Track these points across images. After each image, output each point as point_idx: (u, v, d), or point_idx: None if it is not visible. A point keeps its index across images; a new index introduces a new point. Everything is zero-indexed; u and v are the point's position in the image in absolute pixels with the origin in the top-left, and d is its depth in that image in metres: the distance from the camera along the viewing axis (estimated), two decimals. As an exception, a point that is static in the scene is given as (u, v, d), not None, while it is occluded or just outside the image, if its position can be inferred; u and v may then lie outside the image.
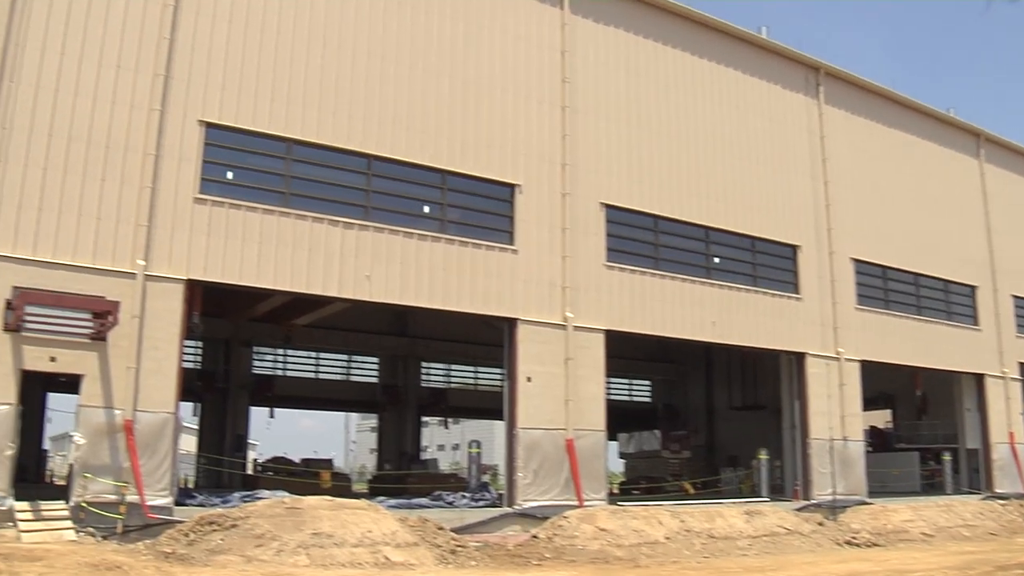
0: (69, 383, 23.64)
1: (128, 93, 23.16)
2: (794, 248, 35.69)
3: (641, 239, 31.65)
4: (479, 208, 28.53)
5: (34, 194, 21.56)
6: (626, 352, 38.08)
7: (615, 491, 40.14)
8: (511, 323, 28.05)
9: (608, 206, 30.51)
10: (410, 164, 27.07)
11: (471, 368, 51.35)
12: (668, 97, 33.11)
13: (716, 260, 33.47)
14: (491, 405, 37.02)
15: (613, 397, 33.99)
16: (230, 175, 24.50)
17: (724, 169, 34.02)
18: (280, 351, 45.80)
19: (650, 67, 32.88)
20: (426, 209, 27.49)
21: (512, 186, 28.75)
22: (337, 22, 26.60)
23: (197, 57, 24.25)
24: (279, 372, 46.23)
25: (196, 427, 43.38)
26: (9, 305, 20.70)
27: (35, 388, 33.89)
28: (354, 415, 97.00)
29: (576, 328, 28.70)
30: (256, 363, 44.27)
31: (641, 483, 44.10)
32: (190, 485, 36.45)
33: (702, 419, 50.12)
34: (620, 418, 42.27)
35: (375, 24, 27.23)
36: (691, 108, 33.70)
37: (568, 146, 29.81)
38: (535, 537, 25.12)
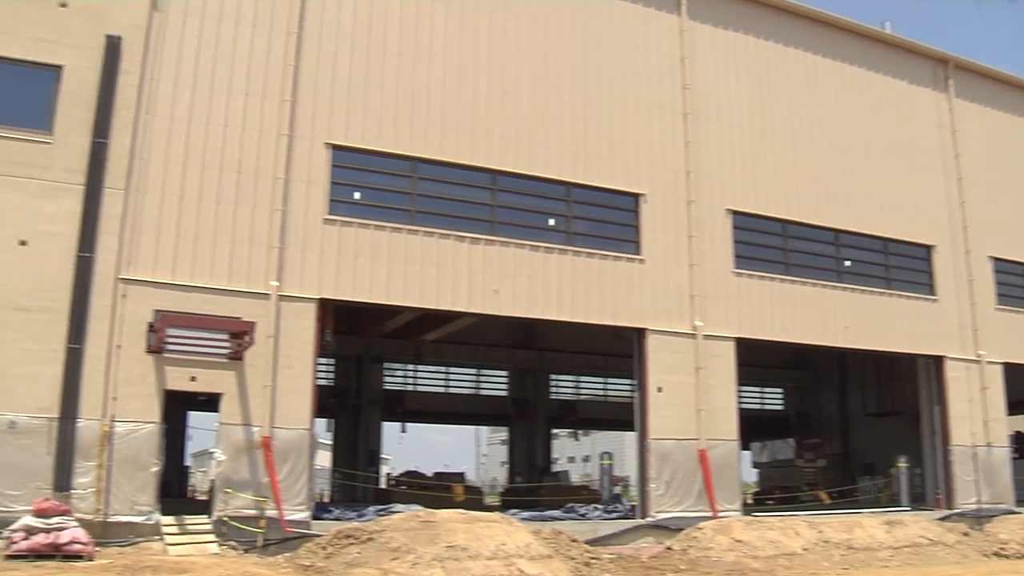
0: (208, 401, 24.38)
1: (257, 119, 23.90)
2: (928, 248, 34.59)
3: (769, 244, 31.12)
4: (604, 219, 28.49)
5: (171, 221, 22.47)
6: (757, 359, 37.39)
7: (748, 501, 39.48)
8: (640, 333, 27.88)
9: (734, 212, 30.11)
10: (534, 178, 27.21)
11: (600, 379, 51.08)
12: (791, 99, 32.54)
13: (847, 263, 32.66)
14: (621, 416, 36.81)
15: (744, 405, 33.38)
16: (357, 195, 24.99)
17: (852, 170, 33.22)
18: (410, 366, 46.29)
19: (771, 69, 32.37)
20: (551, 222, 27.56)
21: (636, 195, 28.62)
22: (456, 41, 26.93)
23: (321, 81, 24.87)
24: (410, 387, 46.75)
25: (330, 443, 44.16)
26: (151, 328, 21.61)
27: (176, 407, 34.95)
28: (484, 428, 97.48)
29: (706, 337, 28.35)
30: (387, 379, 44.84)
31: (775, 493, 43.28)
32: (326, 499, 37.15)
33: (836, 426, 48.81)
34: (752, 427, 41.49)
35: (494, 41, 27.48)
36: (815, 109, 33.03)
37: (691, 153, 29.55)
38: (669, 549, 24.85)
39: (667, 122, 29.62)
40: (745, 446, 43.63)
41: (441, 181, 26.12)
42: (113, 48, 22.76)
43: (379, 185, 25.40)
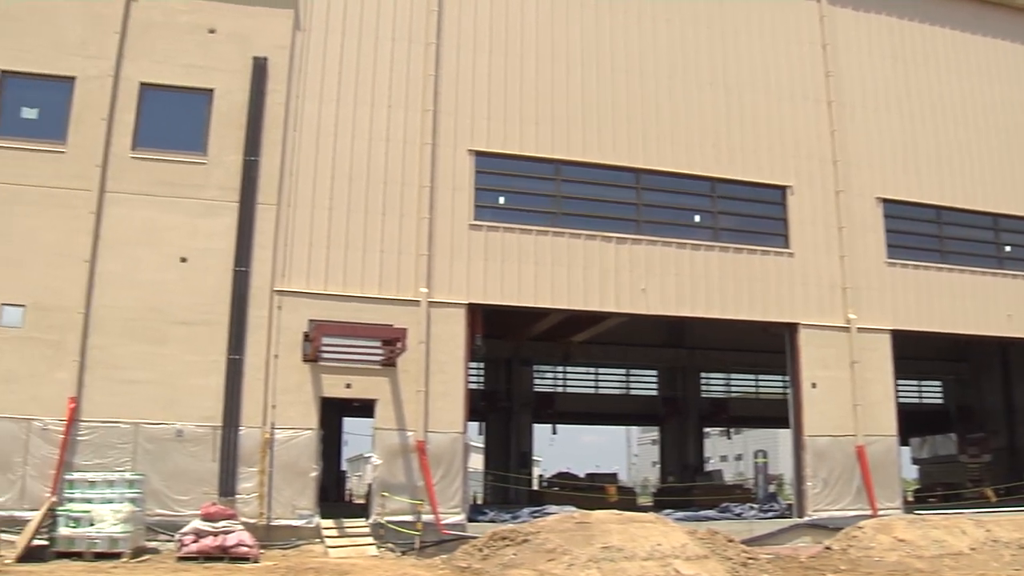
0: (363, 407, 24.94)
1: (400, 130, 24.43)
2: (1098, 229, 32.74)
3: (923, 232, 29.93)
4: (751, 213, 27.98)
5: (322, 233, 23.22)
6: (914, 352, 36.09)
7: (909, 499, 38.22)
8: (791, 328, 27.29)
9: (885, 200, 29.13)
10: (678, 174, 26.93)
11: (752, 376, 50.15)
12: (939, 79, 31.25)
13: (1008, 248, 31.24)
14: (774, 413, 36.12)
15: (902, 400, 32.30)
16: (502, 200, 25.24)
17: (1008, 150, 31.60)
18: (559, 368, 46.37)
19: (917, 50, 31.17)
20: (697, 218, 27.25)
21: (783, 188, 28.03)
22: (593, 42, 26.88)
23: (462, 90, 25.21)
24: (559, 389, 46.79)
25: (482, 445, 44.56)
26: (307, 337, 22.34)
27: (332, 413, 35.80)
28: (634, 428, 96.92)
29: (860, 330, 27.54)
30: (537, 381, 44.91)
31: (937, 490, 41.76)
32: (479, 501, 37.51)
33: (1001, 420, 46.57)
34: (911, 422, 40.11)
35: (631, 40, 27.31)
36: (966, 88, 31.59)
37: (838, 142, 28.77)
38: (828, 549, 24.18)
39: (811, 111, 28.92)
40: (904, 442, 42.29)
41: (585, 182, 26.13)
42: (260, 69, 23.72)
43: (523, 189, 25.64)
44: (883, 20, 30.78)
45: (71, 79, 23.06)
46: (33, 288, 21.74)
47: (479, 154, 24.99)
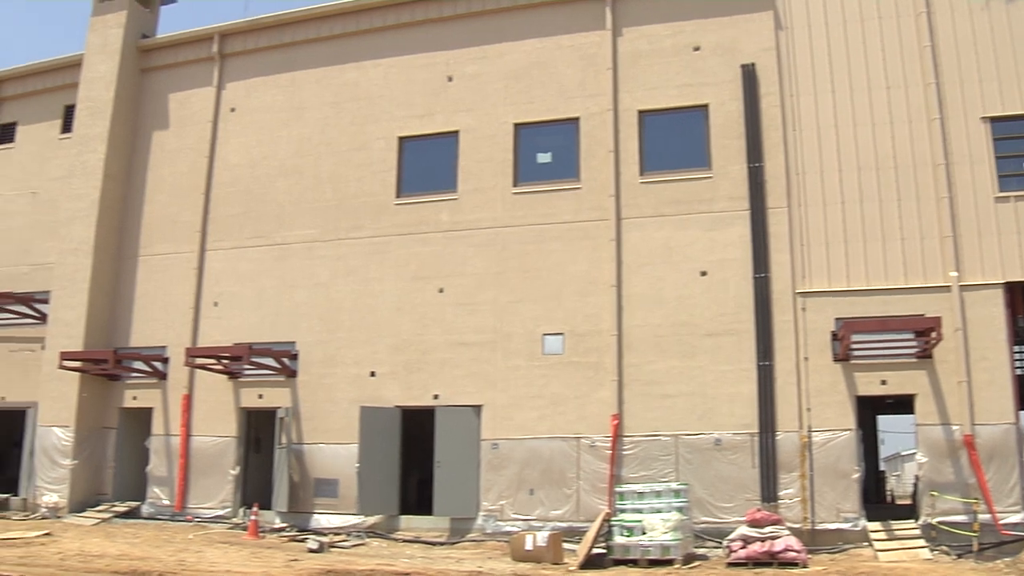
0: (896, 404, 24.00)
1: (903, 109, 23.27)
2: None
3: None
4: None
5: (837, 228, 22.78)
6: None
7: None
8: None
9: None
10: None
11: None
12: None
13: None
14: None
15: None
16: (1028, 165, 23.16)
17: None
18: None
19: None
20: None
21: None
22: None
23: (963, 55, 23.32)
24: None
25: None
26: (835, 336, 22.05)
27: (865, 412, 34.88)
28: None
29: None
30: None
31: None
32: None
33: None
34: None
35: None
36: None
37: None
38: None
39: None
40: None
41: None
42: (749, 76, 24.05)
43: (1049, 150, 23.27)
44: None
45: (575, 119, 24.98)
46: (569, 316, 23.75)
47: (995, 120, 22.98)
